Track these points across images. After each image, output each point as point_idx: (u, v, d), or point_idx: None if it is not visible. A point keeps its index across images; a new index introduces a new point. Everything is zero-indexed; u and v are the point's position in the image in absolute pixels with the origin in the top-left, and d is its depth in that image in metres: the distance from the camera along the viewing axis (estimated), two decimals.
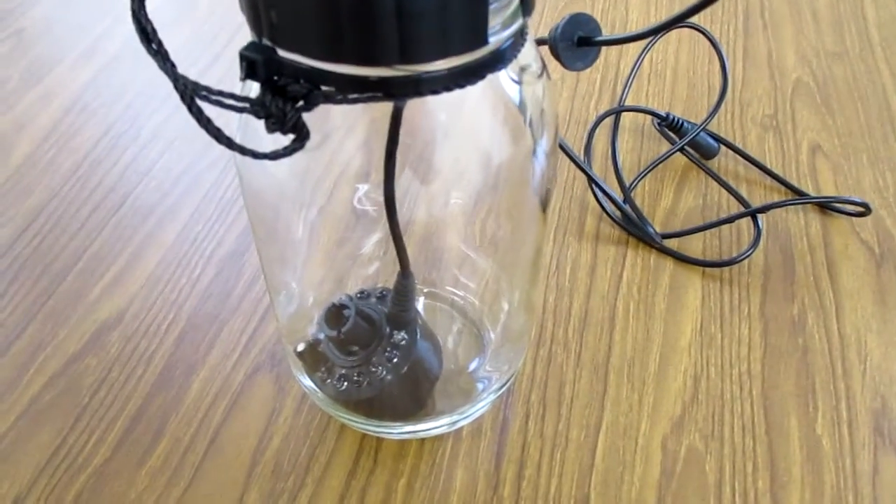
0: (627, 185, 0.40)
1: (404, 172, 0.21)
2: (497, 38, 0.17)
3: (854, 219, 0.39)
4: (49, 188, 0.40)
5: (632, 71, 0.44)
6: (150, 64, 0.47)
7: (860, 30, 0.53)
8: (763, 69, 0.49)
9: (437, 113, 0.21)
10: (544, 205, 0.25)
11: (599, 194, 0.39)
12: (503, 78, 0.20)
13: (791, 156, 0.43)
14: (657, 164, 0.41)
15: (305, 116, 0.17)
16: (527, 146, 0.22)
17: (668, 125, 0.41)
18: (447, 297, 0.30)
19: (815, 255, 0.38)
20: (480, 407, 0.29)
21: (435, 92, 0.17)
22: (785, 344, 0.34)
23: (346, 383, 0.26)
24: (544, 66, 0.22)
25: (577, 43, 0.23)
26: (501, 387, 0.30)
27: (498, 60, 0.18)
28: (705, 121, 0.40)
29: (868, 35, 0.53)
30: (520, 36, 0.19)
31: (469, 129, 0.22)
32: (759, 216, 0.38)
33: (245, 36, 0.50)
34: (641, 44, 0.50)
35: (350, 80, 0.17)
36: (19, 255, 0.37)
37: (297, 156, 0.18)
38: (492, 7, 0.16)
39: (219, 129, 0.17)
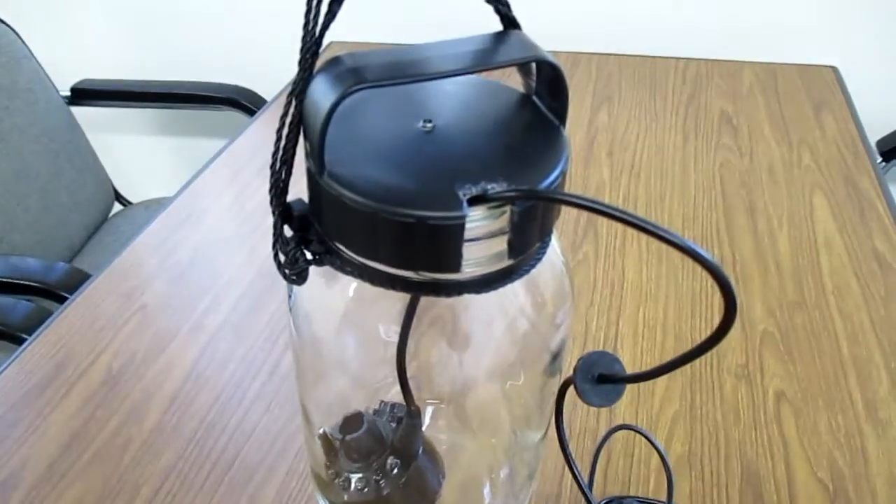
0: None
1: (431, 335, 0.28)
2: (482, 268, 0.24)
3: None
4: (175, 450, 0.52)
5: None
6: (248, 335, 0.60)
7: (815, 279, 0.65)
8: (736, 322, 0.61)
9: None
10: (555, 362, 0.31)
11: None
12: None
13: (759, 403, 0.54)
14: None
15: None
16: (544, 315, 0.29)
17: None
18: (464, 438, 0.36)
19: None
20: None
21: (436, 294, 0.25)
22: None
23: (345, 491, 0.31)
24: (563, 257, 0.29)
25: (598, 380, 0.26)
26: None
27: (485, 284, 0.24)
28: None
29: (822, 284, 0.64)
30: (516, 268, 0.25)
31: (493, 306, 0.28)
32: None
33: None
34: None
35: (367, 269, 0.24)
36: None
37: (343, 309, 0.26)
38: (472, 247, 0.23)
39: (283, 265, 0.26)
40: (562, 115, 0.27)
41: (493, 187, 0.23)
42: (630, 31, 1.32)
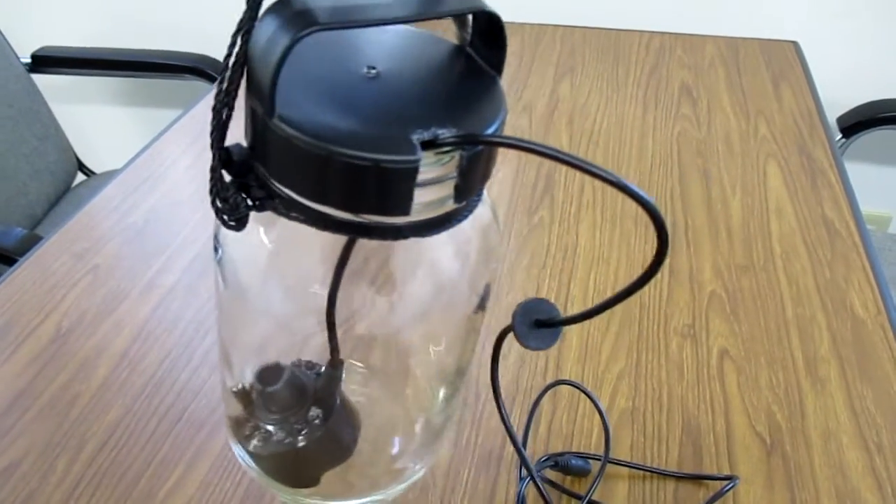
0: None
1: (360, 280, 0.28)
2: (427, 213, 0.24)
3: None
4: (123, 406, 0.51)
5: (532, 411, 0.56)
6: (199, 296, 0.60)
7: (765, 243, 0.66)
8: (685, 284, 0.62)
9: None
10: (477, 314, 0.31)
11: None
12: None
13: (703, 360, 0.55)
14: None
15: None
16: (469, 270, 0.29)
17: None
18: (384, 387, 0.36)
19: None
20: (400, 489, 0.35)
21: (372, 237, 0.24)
22: None
23: (262, 442, 0.31)
24: (494, 214, 0.30)
25: (536, 325, 0.27)
26: (415, 476, 0.36)
27: (430, 227, 0.25)
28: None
29: (771, 248, 0.66)
30: (459, 212, 0.26)
31: (422, 252, 0.28)
32: None
33: None
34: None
35: (313, 212, 0.24)
36: (101, 464, 0.48)
37: (269, 249, 0.26)
38: (421, 192, 0.23)
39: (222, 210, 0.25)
40: (499, 65, 0.27)
41: (444, 133, 0.23)
42: (596, 5, 1.33)
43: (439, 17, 0.24)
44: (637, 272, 0.63)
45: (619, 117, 0.86)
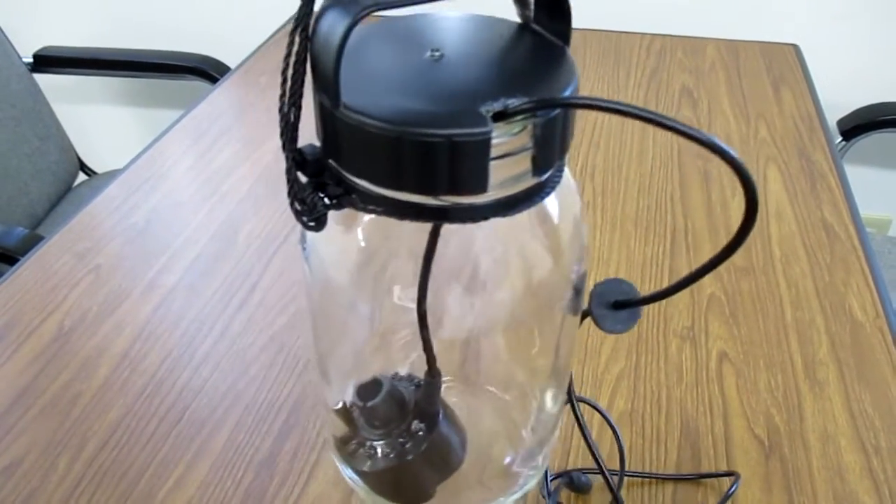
0: None
1: (450, 282, 0.27)
2: (506, 190, 0.23)
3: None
4: (124, 405, 0.52)
5: None
6: (201, 296, 0.60)
7: (764, 246, 0.66)
8: None
9: (482, 231, 0.26)
10: (575, 310, 0.30)
11: None
12: (547, 203, 0.25)
13: (702, 363, 0.55)
14: None
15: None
16: (564, 264, 0.28)
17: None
18: (484, 395, 0.35)
19: None
20: (514, 498, 0.34)
21: (456, 221, 0.24)
22: None
23: (369, 459, 0.30)
24: (581, 199, 0.30)
25: (614, 307, 0.26)
26: (529, 483, 0.35)
27: (511, 206, 0.24)
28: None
29: (771, 251, 0.66)
30: (540, 188, 0.25)
31: (511, 246, 0.27)
32: None
33: (273, 269, 0.64)
34: None
35: (390, 202, 0.23)
36: (103, 463, 0.48)
37: (358, 257, 0.26)
38: (497, 166, 0.22)
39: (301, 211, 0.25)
40: (565, 36, 0.27)
41: (514, 102, 0.23)
42: (596, 7, 1.33)
43: None
44: (637, 273, 0.63)
45: (620, 119, 0.86)
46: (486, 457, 0.35)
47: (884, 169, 1.45)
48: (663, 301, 0.60)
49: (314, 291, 0.31)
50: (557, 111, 0.23)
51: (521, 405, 0.35)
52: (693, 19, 1.32)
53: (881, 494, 0.46)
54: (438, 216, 0.24)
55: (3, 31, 1.17)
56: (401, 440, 0.29)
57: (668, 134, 0.83)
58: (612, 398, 0.52)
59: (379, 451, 0.30)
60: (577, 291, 0.29)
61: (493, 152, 0.22)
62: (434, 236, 0.25)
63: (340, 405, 0.31)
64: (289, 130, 0.24)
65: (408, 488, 0.31)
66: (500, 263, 0.28)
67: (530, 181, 0.24)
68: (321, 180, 0.25)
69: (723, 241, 0.67)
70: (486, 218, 0.24)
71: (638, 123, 0.85)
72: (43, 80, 1.24)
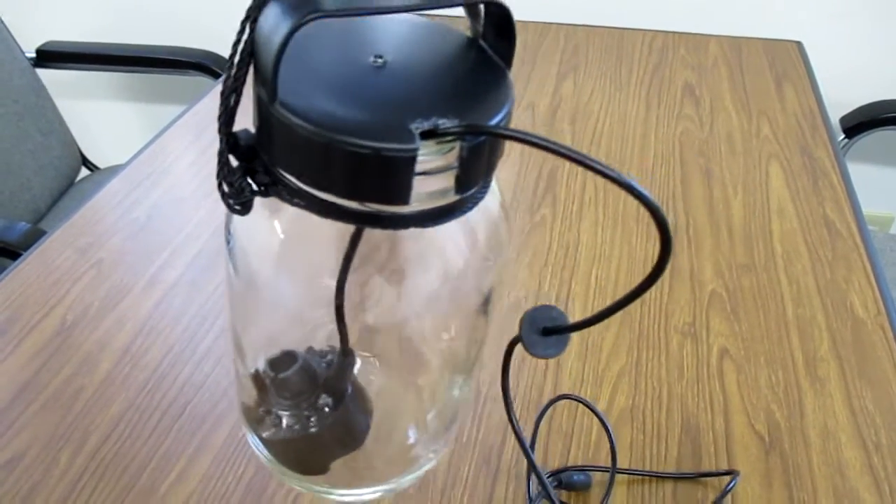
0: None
1: (369, 269, 0.28)
2: (429, 203, 0.24)
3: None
4: (126, 400, 0.52)
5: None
6: (202, 291, 0.60)
7: (766, 243, 0.66)
8: (685, 282, 0.62)
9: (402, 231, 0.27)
10: (486, 305, 0.31)
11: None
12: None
13: (703, 359, 0.55)
14: None
15: None
16: (478, 258, 0.29)
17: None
18: (395, 376, 0.36)
19: None
20: (411, 478, 0.36)
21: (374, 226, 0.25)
22: None
23: (273, 427, 0.32)
24: (501, 203, 0.30)
25: (543, 333, 0.26)
26: (426, 465, 0.36)
27: (433, 217, 0.25)
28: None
29: (772, 248, 0.66)
30: (462, 203, 0.25)
31: (430, 242, 0.28)
32: None
33: None
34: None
35: (316, 200, 0.24)
36: (105, 457, 0.48)
37: (280, 247, 0.26)
38: (421, 181, 0.23)
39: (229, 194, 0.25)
40: (508, 58, 0.28)
41: (444, 123, 0.23)
42: (599, 3, 1.33)
43: (447, 7, 0.24)
44: (639, 270, 0.63)
45: (622, 116, 0.86)
46: (390, 437, 0.36)
47: (886, 167, 1.45)
48: (665, 297, 0.60)
49: (234, 277, 0.31)
50: (485, 137, 0.24)
51: (429, 390, 0.36)
52: (696, 16, 1.32)
53: (881, 491, 0.46)
54: (361, 220, 0.25)
55: (6, 26, 1.17)
56: (307, 413, 0.30)
57: (670, 131, 0.83)
58: (613, 395, 0.52)
59: (284, 421, 0.31)
60: (489, 292, 0.30)
61: (419, 168, 0.23)
62: (356, 237, 0.25)
63: (253, 370, 0.32)
64: (226, 114, 0.25)
65: (307, 460, 0.32)
66: (418, 256, 0.28)
67: (453, 197, 0.25)
68: (251, 166, 0.25)
69: (724, 237, 0.67)
70: (406, 227, 0.25)
71: (640, 121, 0.85)
72: (46, 75, 1.24)
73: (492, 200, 0.29)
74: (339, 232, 0.28)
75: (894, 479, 0.47)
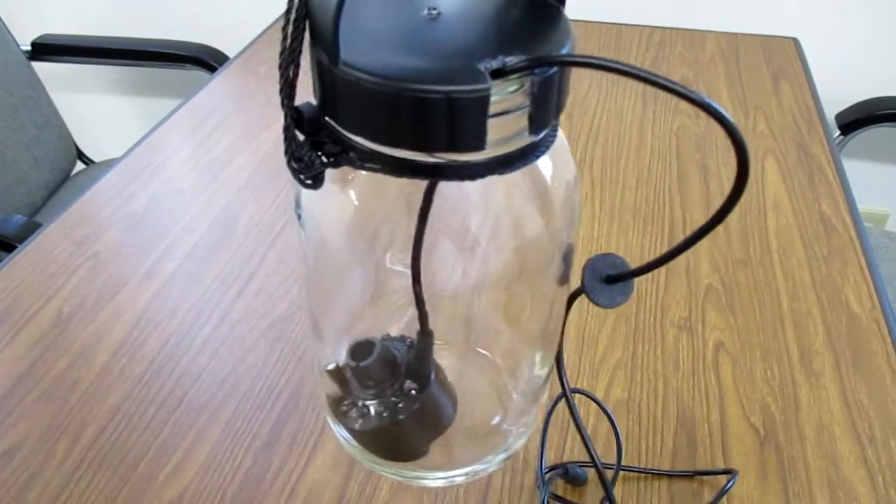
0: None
1: (443, 242, 0.27)
2: (502, 148, 0.24)
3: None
4: (123, 392, 0.52)
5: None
6: (199, 283, 0.60)
7: (762, 238, 0.66)
8: (681, 277, 0.62)
9: (475, 191, 0.27)
10: (564, 278, 0.30)
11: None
12: (541, 166, 0.26)
13: (699, 352, 0.55)
14: None
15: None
16: (555, 227, 0.28)
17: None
18: (474, 357, 0.36)
19: None
20: (499, 459, 0.35)
21: (444, 178, 0.24)
22: None
23: (362, 418, 0.31)
24: (575, 165, 0.30)
25: (607, 281, 0.26)
26: (517, 443, 0.35)
27: (506, 164, 0.24)
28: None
29: (768, 243, 0.66)
30: (534, 147, 0.25)
31: (504, 207, 0.28)
32: None
33: (272, 257, 0.64)
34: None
35: (388, 159, 0.23)
36: (102, 447, 0.48)
37: (353, 218, 0.26)
38: (494, 124, 0.22)
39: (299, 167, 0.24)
40: None
41: (512, 60, 0.23)
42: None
43: None
44: (636, 264, 0.63)
45: (619, 111, 0.86)
46: (477, 416, 0.35)
47: (882, 163, 1.45)
48: (661, 292, 0.60)
49: (310, 254, 0.31)
50: (554, 69, 0.24)
51: (510, 367, 0.36)
52: (693, 12, 1.32)
53: (875, 483, 0.46)
54: (435, 174, 0.24)
55: (1, 20, 1.17)
56: (393, 399, 0.29)
57: (667, 126, 0.83)
58: (609, 387, 0.52)
59: (372, 410, 0.31)
60: (566, 257, 0.29)
61: (491, 109, 0.22)
62: (429, 194, 0.25)
63: (333, 366, 0.31)
64: (287, 88, 0.24)
65: (400, 446, 0.32)
66: (492, 224, 0.28)
67: (526, 140, 0.24)
68: (318, 138, 0.25)
69: (720, 233, 0.67)
70: (482, 176, 0.24)
71: (637, 116, 0.85)
72: (41, 68, 1.24)
73: (567, 165, 0.29)
74: (411, 198, 0.27)
75: (888, 471, 0.47)
